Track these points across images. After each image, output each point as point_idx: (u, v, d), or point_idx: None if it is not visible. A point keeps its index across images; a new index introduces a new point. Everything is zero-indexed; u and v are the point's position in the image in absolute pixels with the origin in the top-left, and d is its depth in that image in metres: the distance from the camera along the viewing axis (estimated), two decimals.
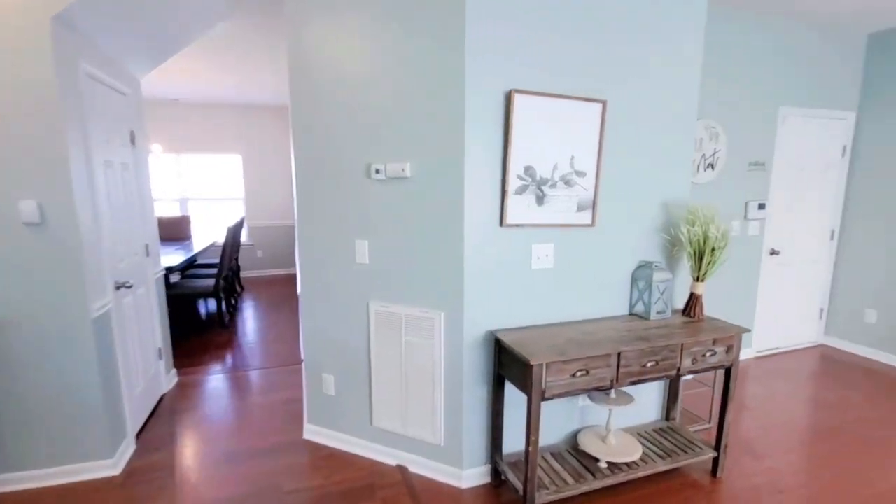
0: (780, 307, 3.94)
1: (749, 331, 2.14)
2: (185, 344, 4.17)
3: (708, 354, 2.06)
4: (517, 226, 2.06)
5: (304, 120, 2.26)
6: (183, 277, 5.13)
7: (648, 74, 2.20)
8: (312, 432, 2.59)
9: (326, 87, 2.17)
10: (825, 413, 2.93)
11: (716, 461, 2.24)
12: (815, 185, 3.86)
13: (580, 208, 2.17)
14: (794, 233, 3.87)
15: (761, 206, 3.63)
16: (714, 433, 2.66)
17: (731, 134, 3.45)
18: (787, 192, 3.76)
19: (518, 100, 1.93)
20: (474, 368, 2.12)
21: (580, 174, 2.14)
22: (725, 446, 2.22)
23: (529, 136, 2.00)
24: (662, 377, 1.99)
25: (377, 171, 2.09)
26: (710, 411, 2.79)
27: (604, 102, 2.08)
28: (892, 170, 3.65)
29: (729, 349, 2.10)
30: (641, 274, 2.30)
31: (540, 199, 2.09)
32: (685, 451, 2.23)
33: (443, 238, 2.03)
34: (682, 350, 2.00)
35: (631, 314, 2.36)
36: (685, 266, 2.46)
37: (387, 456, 2.37)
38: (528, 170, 2.03)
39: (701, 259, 2.21)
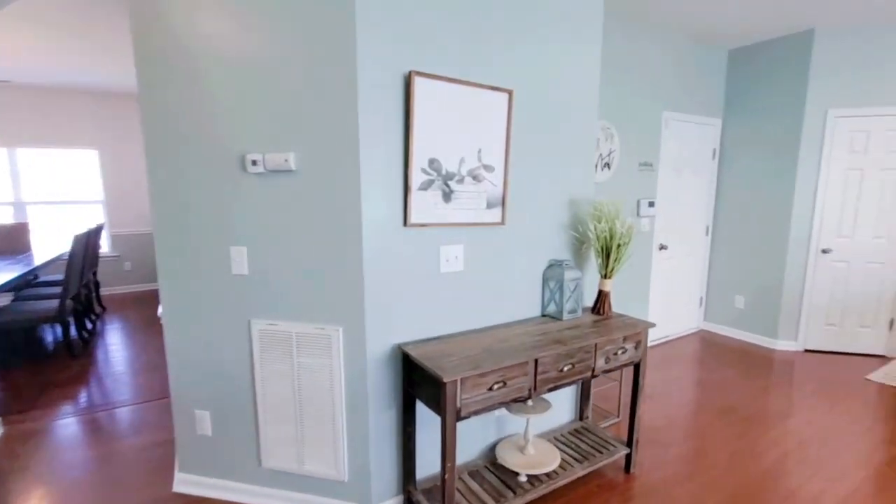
0: (668, 298, 4.25)
1: (654, 325, 2.16)
2: (17, 384, 3.31)
3: (619, 352, 2.03)
4: (423, 225, 1.85)
5: (156, 101, 1.82)
6: (17, 299, 4.13)
7: (552, 68, 2.13)
8: (185, 482, 2.12)
9: (184, 59, 1.76)
10: (713, 394, 3.15)
11: (629, 457, 2.24)
12: (693, 184, 4.21)
13: (490, 205, 2.03)
14: (678, 229, 4.19)
15: (651, 204, 3.86)
16: (622, 426, 2.70)
17: (624, 135, 3.61)
18: (671, 190, 4.06)
19: (419, 83, 1.71)
20: (380, 389, 1.86)
21: (488, 169, 1.99)
22: (637, 441, 2.23)
23: (433, 126, 1.80)
24: (579, 380, 1.91)
25: (254, 163, 1.73)
26: (619, 405, 2.84)
27: (510, 92, 1.95)
28: (748, 171, 4.12)
29: (637, 345, 2.10)
30: (552, 273, 2.22)
31: (447, 196, 1.90)
32: (600, 452, 2.19)
33: (338, 241, 1.74)
34: (596, 350, 1.94)
35: (543, 315, 2.27)
36: (593, 263, 2.44)
37: (281, 501, 2.01)
38: (433, 163, 1.83)
39: (608, 256, 2.19)
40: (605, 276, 2.24)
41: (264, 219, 1.80)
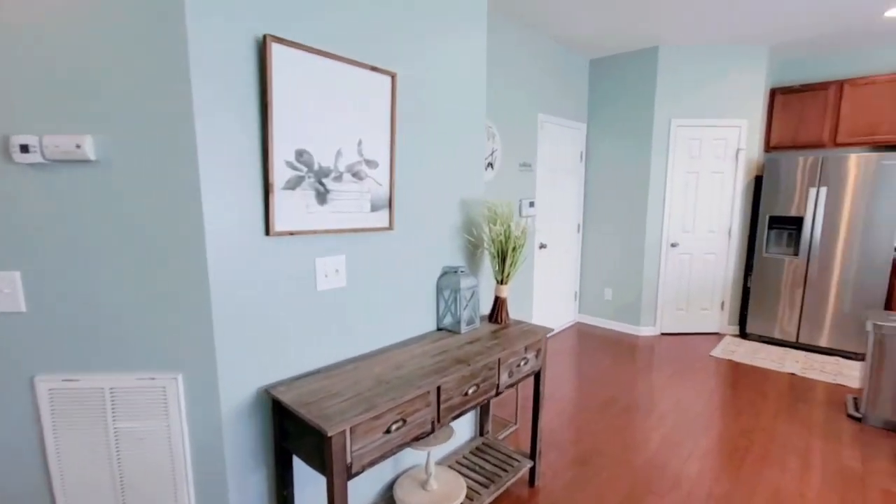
0: (550, 294, 4.39)
1: (553, 330, 2.08)
2: None
3: (522, 363, 1.89)
4: (292, 233, 1.47)
5: None
6: None
7: (437, 54, 1.91)
8: None
9: None
10: (595, 387, 3.27)
11: (533, 470, 2.13)
12: (566, 184, 4.42)
13: (374, 208, 1.72)
14: (555, 228, 4.35)
15: (532, 205, 3.93)
16: (521, 434, 2.62)
17: (505, 135, 3.59)
18: (548, 190, 4.19)
19: (278, 52, 1.34)
20: (243, 449, 1.43)
21: (371, 164, 1.69)
22: (540, 452, 2.13)
23: (301, 109, 1.44)
24: (484, 400, 1.72)
25: (25, 150, 1.18)
26: (516, 410, 2.76)
27: (394, 75, 1.68)
28: (611, 173, 4.47)
29: (538, 353, 1.99)
30: (447, 282, 2.01)
31: (322, 197, 1.55)
32: (505, 470, 2.05)
33: (169, 257, 1.28)
34: (499, 366, 1.77)
35: (440, 329, 2.05)
36: (488, 269, 2.29)
37: None
38: (302, 156, 1.47)
39: (504, 260, 2.05)
40: (501, 282, 2.09)
41: (48, 230, 1.24)
